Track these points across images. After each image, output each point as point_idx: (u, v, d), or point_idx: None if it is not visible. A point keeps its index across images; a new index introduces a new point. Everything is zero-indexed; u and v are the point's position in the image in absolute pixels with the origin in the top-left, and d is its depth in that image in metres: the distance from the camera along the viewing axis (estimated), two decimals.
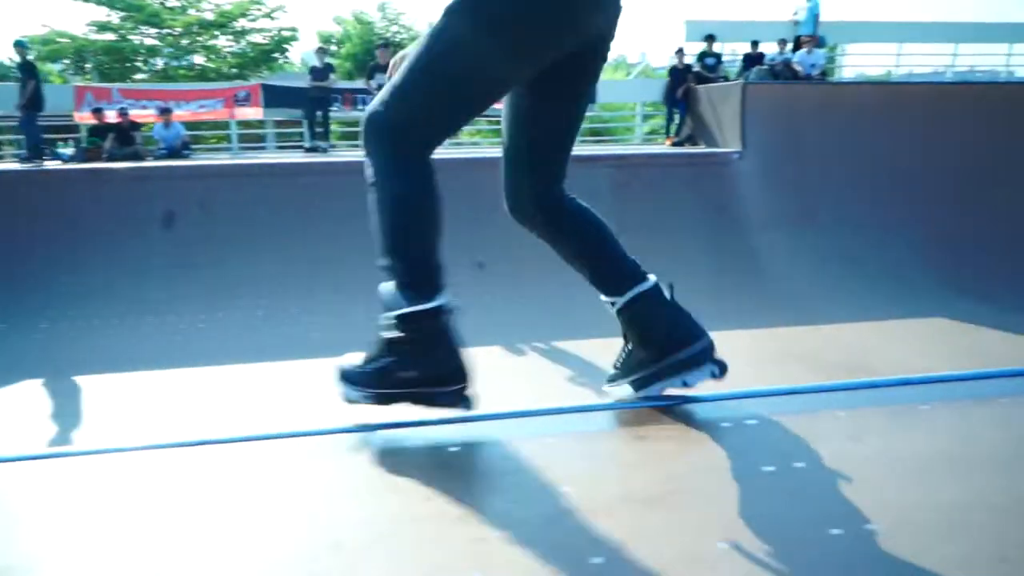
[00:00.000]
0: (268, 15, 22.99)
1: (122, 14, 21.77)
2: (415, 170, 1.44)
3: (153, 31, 22.65)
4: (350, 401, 1.49)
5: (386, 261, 1.44)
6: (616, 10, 1.47)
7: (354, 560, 1.06)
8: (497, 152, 1.63)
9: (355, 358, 1.51)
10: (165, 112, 11.84)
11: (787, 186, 8.74)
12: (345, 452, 1.47)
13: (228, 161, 11.55)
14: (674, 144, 11.19)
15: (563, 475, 1.29)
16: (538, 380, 4.82)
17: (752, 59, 11.96)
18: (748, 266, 7.68)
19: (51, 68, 22.21)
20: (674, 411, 1.57)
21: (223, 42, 23.69)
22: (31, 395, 5.02)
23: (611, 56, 1.59)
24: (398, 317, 1.41)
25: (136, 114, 12.16)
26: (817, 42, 12.51)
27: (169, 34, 22.77)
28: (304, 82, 12.43)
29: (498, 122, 1.62)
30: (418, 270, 1.44)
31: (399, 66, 1.46)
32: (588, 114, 2.05)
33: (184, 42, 22.97)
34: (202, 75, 22.35)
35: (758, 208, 8.43)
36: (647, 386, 1.57)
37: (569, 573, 1.01)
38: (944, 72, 15.11)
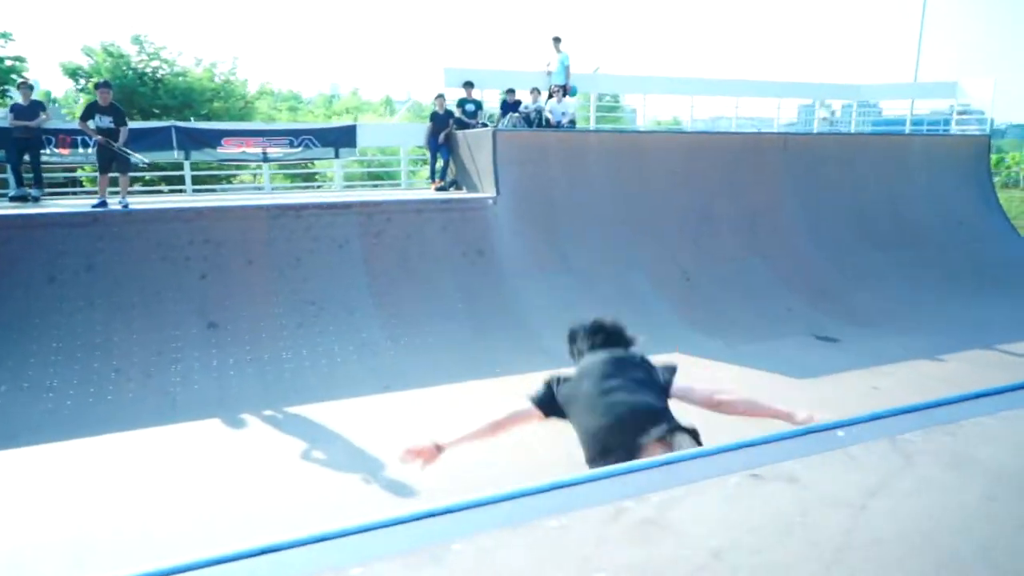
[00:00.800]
0: None
1: None
2: None
3: None
4: None
5: None
6: None
7: None
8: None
9: None
10: None
11: (538, 228, 8.91)
12: None
13: None
14: (439, 189, 11.04)
15: None
16: None
17: (509, 106, 12.27)
18: (503, 310, 7.60)
19: None
20: None
21: None
22: None
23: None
24: None
25: None
26: (567, 91, 13.20)
27: None
28: (7, 121, 10.54)
29: None
30: None
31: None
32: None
33: None
34: None
35: (511, 252, 8.45)
36: None
37: None
38: (729, 120, 17.30)
